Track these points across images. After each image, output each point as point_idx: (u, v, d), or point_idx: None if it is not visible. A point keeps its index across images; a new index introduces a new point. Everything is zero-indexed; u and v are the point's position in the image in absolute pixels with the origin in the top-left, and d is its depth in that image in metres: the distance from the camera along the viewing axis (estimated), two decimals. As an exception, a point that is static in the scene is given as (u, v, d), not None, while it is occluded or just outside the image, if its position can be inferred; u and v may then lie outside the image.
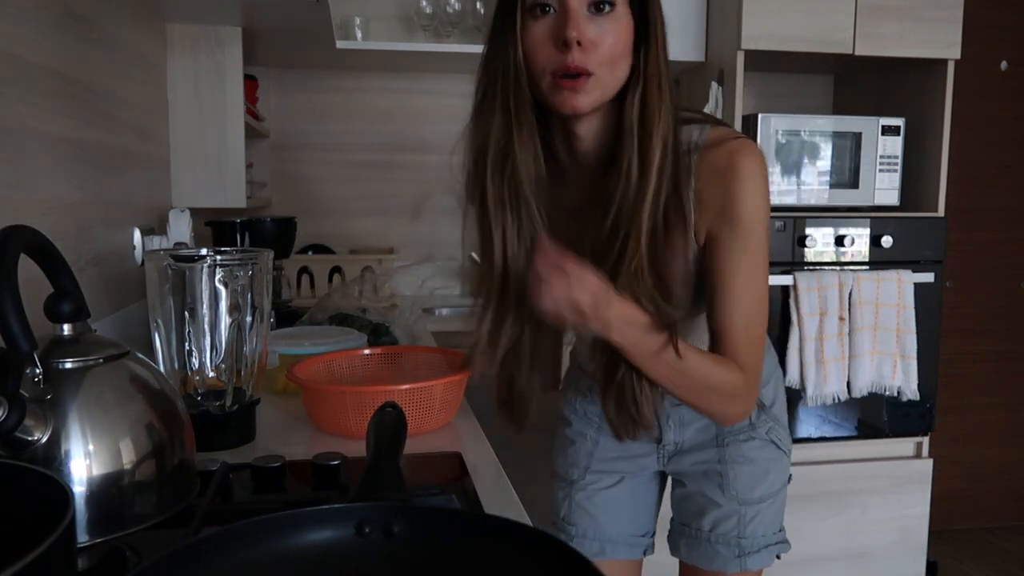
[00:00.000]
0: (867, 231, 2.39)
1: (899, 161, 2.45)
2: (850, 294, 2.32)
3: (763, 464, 1.20)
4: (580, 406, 1.27)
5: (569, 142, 1.00)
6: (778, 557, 1.25)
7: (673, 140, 0.94)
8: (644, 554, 1.29)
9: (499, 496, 0.88)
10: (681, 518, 1.24)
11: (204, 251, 1.00)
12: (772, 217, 2.33)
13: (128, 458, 0.64)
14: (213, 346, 0.97)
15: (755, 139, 2.36)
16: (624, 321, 0.91)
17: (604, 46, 0.90)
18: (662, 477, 1.30)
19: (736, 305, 0.97)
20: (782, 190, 2.40)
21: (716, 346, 0.99)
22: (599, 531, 1.24)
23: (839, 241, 2.37)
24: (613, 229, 0.95)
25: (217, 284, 0.96)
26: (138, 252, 1.54)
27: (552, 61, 0.90)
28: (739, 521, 1.19)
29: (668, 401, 1.15)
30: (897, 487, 2.47)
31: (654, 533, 1.31)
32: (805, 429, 2.42)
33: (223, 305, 0.96)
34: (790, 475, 1.26)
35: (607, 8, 0.90)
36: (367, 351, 1.31)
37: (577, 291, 0.87)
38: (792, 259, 2.35)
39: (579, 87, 0.91)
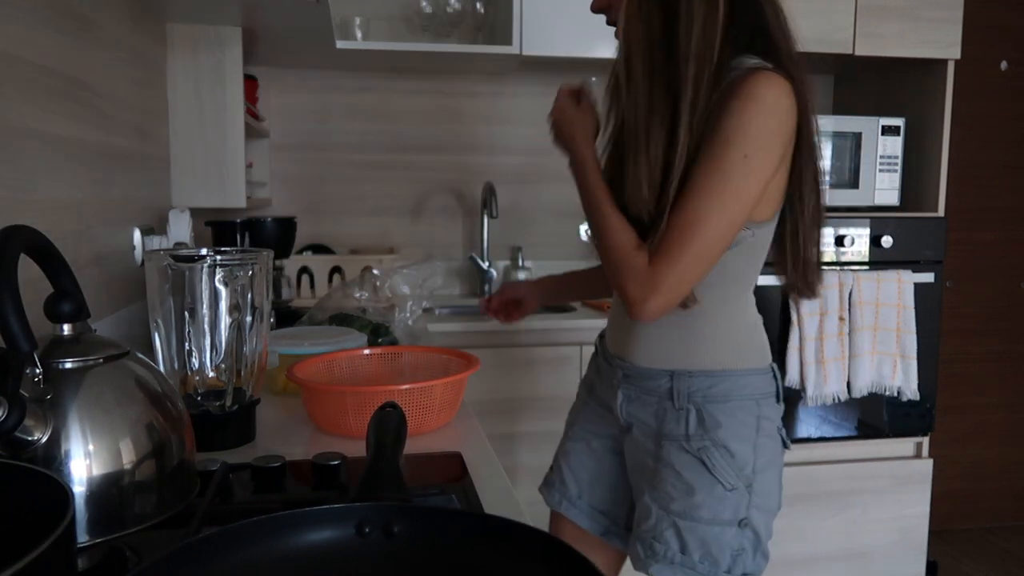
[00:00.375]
0: (867, 231, 2.39)
1: (899, 161, 2.46)
2: (850, 294, 2.32)
3: (688, 480, 1.13)
4: (590, 368, 1.37)
5: None
6: None
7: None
8: (603, 536, 1.31)
9: (499, 496, 0.88)
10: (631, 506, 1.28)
11: (204, 251, 1.00)
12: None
13: (128, 458, 0.64)
14: (213, 346, 0.97)
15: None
16: (583, 157, 1.16)
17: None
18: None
19: (682, 208, 1.03)
20: (782, 190, 2.41)
21: (651, 238, 1.07)
22: (562, 485, 1.33)
23: (839, 241, 2.37)
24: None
25: (217, 284, 0.96)
26: (138, 252, 1.54)
27: None
28: (657, 524, 1.15)
29: (620, 368, 1.22)
30: (897, 487, 2.47)
31: (620, 528, 1.31)
32: (805, 429, 2.42)
33: (223, 305, 0.96)
34: (744, 520, 1.13)
35: None
36: (367, 351, 1.31)
37: (566, 116, 1.18)
38: (792, 259, 2.35)
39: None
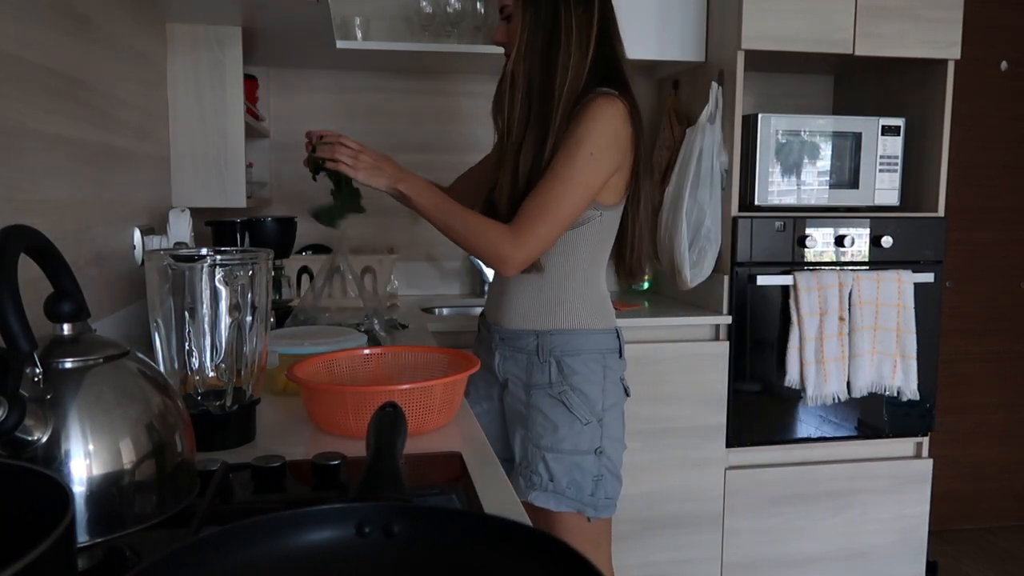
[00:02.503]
0: (867, 231, 2.39)
1: (899, 161, 2.46)
2: (850, 294, 2.32)
3: (552, 419, 1.44)
4: (474, 342, 1.67)
5: None
6: (588, 520, 1.44)
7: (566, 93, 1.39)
8: (510, 476, 1.54)
9: (499, 496, 0.88)
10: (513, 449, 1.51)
11: (204, 251, 1.00)
12: (772, 217, 2.33)
13: (128, 458, 0.64)
14: (213, 346, 0.97)
15: (755, 139, 2.36)
16: (415, 180, 1.40)
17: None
18: None
19: (539, 189, 1.36)
20: (782, 190, 2.41)
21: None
22: None
23: (839, 241, 2.37)
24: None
25: (217, 284, 0.96)
26: (138, 252, 1.54)
27: None
28: (531, 459, 1.45)
29: (497, 333, 1.52)
30: (897, 487, 2.47)
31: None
32: (805, 429, 2.42)
33: (223, 305, 0.96)
34: (599, 448, 1.43)
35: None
36: (367, 351, 1.31)
37: (369, 154, 1.39)
38: (792, 259, 2.35)
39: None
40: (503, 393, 1.55)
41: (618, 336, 1.50)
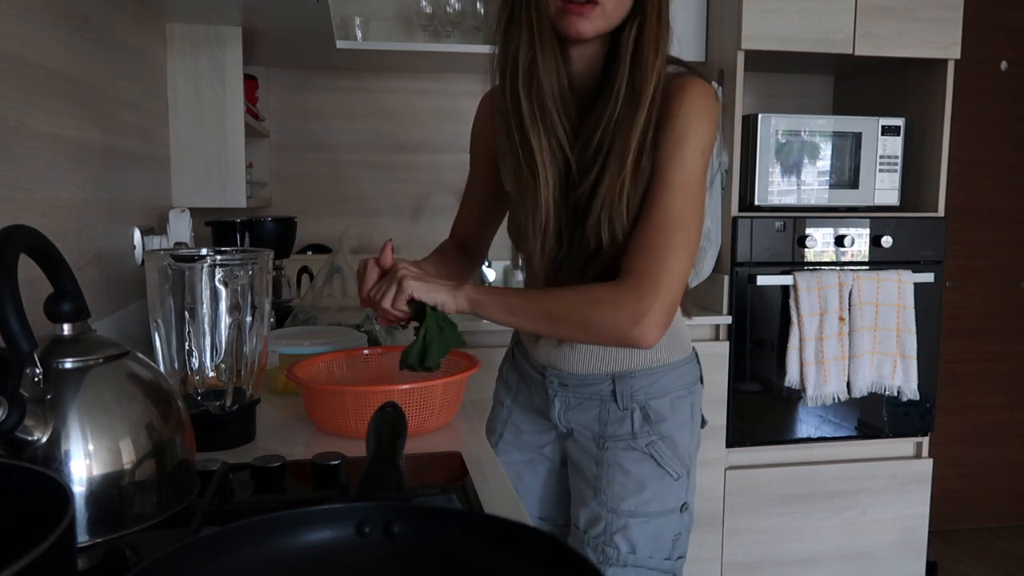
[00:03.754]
0: (867, 231, 2.40)
1: (899, 161, 2.46)
2: (850, 294, 2.32)
3: (638, 477, 1.16)
4: (505, 372, 1.36)
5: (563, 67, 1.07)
6: None
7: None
8: None
9: (499, 496, 0.88)
10: (572, 512, 1.26)
11: (204, 251, 1.00)
12: (772, 217, 2.33)
13: (128, 458, 0.64)
14: (213, 346, 0.97)
15: (755, 139, 2.36)
16: (470, 290, 1.03)
17: None
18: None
19: (655, 208, 1.01)
20: (782, 190, 2.41)
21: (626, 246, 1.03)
22: None
23: (839, 241, 2.37)
24: (597, 148, 1.03)
25: (217, 284, 0.96)
26: (138, 252, 1.54)
27: None
28: (606, 528, 1.18)
29: (556, 378, 1.20)
30: (897, 487, 2.48)
31: (560, 529, 1.32)
32: (805, 429, 2.42)
33: (223, 305, 0.96)
34: (685, 504, 1.19)
35: None
36: (367, 351, 1.30)
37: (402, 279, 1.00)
38: (792, 259, 2.35)
39: (585, 13, 0.99)
40: (565, 442, 1.26)
41: (698, 360, 1.25)
